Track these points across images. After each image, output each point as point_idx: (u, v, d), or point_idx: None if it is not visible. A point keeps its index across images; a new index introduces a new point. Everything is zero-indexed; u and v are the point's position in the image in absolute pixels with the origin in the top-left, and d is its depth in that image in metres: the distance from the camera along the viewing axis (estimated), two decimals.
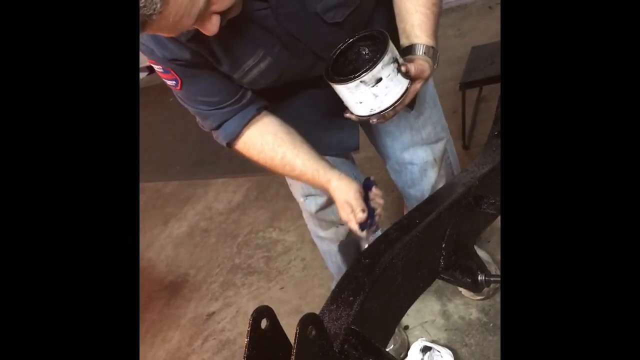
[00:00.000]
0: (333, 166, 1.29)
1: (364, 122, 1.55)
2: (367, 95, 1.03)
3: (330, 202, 1.57)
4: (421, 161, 1.58)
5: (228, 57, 1.10)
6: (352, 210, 1.24)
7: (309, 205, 1.59)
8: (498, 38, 2.73)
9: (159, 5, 0.79)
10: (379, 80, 1.01)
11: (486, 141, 1.30)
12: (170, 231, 3.23)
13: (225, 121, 1.23)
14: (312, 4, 1.07)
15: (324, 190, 1.30)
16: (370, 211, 1.26)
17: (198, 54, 1.07)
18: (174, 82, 1.15)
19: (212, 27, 0.91)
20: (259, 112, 1.24)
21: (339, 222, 1.64)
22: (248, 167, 3.47)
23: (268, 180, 3.19)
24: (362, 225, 1.24)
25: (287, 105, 1.36)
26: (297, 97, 1.35)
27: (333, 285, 2.04)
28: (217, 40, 0.97)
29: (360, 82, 1.00)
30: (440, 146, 1.59)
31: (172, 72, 1.12)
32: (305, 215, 1.71)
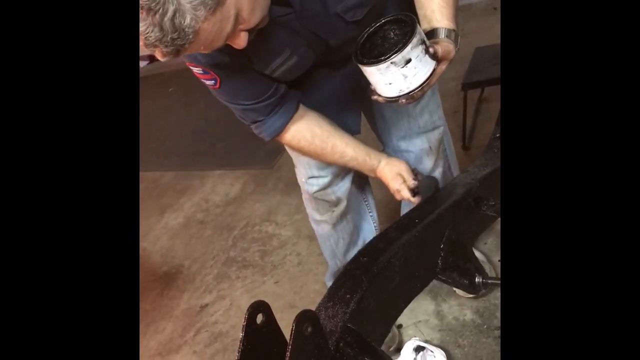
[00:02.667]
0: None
1: (367, 108, 1.60)
2: (396, 76, 1.05)
3: (330, 183, 1.64)
4: (417, 149, 1.62)
5: (258, 57, 1.18)
6: (404, 181, 1.38)
7: (311, 186, 1.64)
8: None
9: (191, 37, 0.86)
10: (409, 61, 1.03)
11: (487, 143, 1.29)
12: (166, 222, 3.22)
13: (267, 116, 1.31)
14: (333, 6, 1.13)
15: (371, 172, 1.44)
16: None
17: (235, 56, 1.12)
18: (212, 81, 1.22)
19: (241, 42, 0.97)
20: (297, 107, 1.34)
21: (339, 201, 1.69)
22: (246, 160, 3.48)
23: (265, 174, 3.18)
24: (413, 192, 1.37)
25: (296, 88, 1.40)
26: (305, 80, 1.39)
27: (327, 276, 2.04)
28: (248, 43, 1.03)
29: (391, 63, 1.02)
30: (436, 134, 1.63)
31: (211, 72, 1.19)
32: (305, 197, 1.75)
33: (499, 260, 1.96)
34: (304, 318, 0.74)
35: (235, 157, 3.56)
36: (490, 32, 3.34)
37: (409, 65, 1.03)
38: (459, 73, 2.54)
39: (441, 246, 1.04)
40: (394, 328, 1.86)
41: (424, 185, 1.33)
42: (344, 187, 1.67)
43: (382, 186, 2.27)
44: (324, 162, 1.50)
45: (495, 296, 1.82)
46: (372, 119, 1.66)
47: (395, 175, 1.40)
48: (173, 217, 3.22)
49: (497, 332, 1.72)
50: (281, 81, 1.29)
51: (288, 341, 0.72)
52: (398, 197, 1.42)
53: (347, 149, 1.39)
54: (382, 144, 1.72)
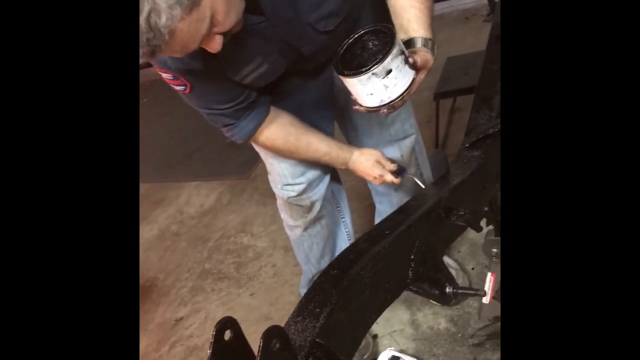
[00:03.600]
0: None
1: (339, 116, 1.62)
2: (378, 86, 1.06)
3: (306, 189, 1.64)
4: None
5: (230, 64, 1.18)
6: (383, 166, 1.45)
7: (286, 192, 1.64)
8: (473, 49, 2.76)
9: (166, 37, 0.86)
10: (389, 71, 1.04)
11: (457, 153, 1.30)
12: (141, 234, 3.18)
13: (238, 120, 1.34)
14: (306, 15, 1.14)
15: (343, 165, 1.49)
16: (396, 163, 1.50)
17: (207, 62, 1.13)
18: (183, 87, 1.23)
19: (215, 45, 0.99)
20: (268, 110, 1.37)
21: (313, 206, 1.69)
22: (221, 171, 3.46)
23: (241, 185, 3.17)
24: (396, 173, 1.47)
25: (269, 96, 1.41)
26: (278, 88, 1.40)
27: (302, 282, 2.04)
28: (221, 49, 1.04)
29: (372, 74, 1.04)
30: (408, 143, 1.65)
31: (181, 78, 1.20)
32: (279, 202, 1.75)
33: (472, 268, 1.97)
34: (272, 334, 0.73)
35: (211, 167, 3.54)
36: (462, 42, 3.38)
37: (389, 75, 1.05)
38: (431, 83, 2.57)
39: (411, 257, 1.04)
40: (369, 338, 1.86)
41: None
42: (318, 192, 1.67)
43: (356, 195, 2.27)
44: (297, 158, 1.52)
45: (469, 304, 1.83)
46: (344, 127, 1.68)
47: (374, 163, 1.45)
48: (147, 230, 3.19)
49: (472, 341, 1.73)
50: (254, 88, 1.30)
51: (256, 357, 0.72)
52: (379, 182, 1.48)
53: (321, 144, 1.44)
54: None
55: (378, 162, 1.46)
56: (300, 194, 1.64)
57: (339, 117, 1.64)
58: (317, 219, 1.75)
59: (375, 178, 1.47)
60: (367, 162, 1.46)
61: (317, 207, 1.70)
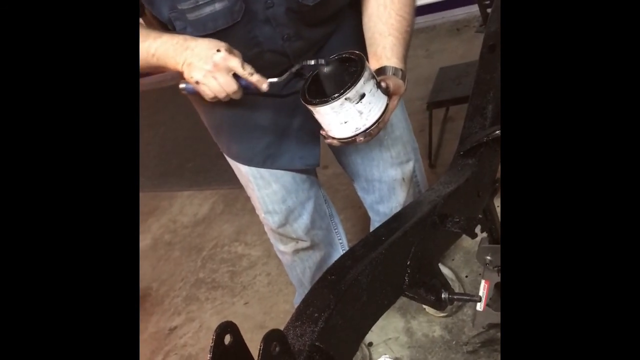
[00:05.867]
0: None
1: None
2: (352, 113, 1.03)
3: (286, 219, 1.56)
4: (390, 179, 1.60)
5: None
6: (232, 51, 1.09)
7: (269, 221, 1.58)
8: (465, 59, 2.80)
9: None
10: (362, 96, 1.01)
11: (452, 160, 1.32)
12: None
13: None
14: None
15: (176, 49, 1.11)
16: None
17: None
18: None
19: None
20: None
21: (299, 239, 1.63)
22: (214, 180, 3.46)
23: (235, 194, 3.17)
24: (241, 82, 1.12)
25: (248, 116, 1.36)
26: (259, 108, 1.35)
27: (296, 299, 2.04)
28: None
29: (345, 99, 1.00)
30: (409, 166, 1.61)
31: None
32: (266, 229, 1.70)
33: (466, 276, 1.99)
34: (272, 337, 0.74)
35: (204, 177, 3.54)
36: (454, 53, 3.41)
37: (363, 100, 1.02)
38: (424, 92, 2.60)
39: (408, 263, 1.05)
40: (364, 347, 1.86)
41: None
42: (302, 223, 1.59)
43: (350, 204, 2.27)
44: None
45: (464, 312, 1.84)
46: (339, 152, 1.60)
47: (221, 44, 1.08)
48: (140, 239, 3.18)
49: (466, 348, 1.74)
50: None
51: None
52: (212, 84, 1.10)
53: (158, 40, 1.15)
54: (353, 177, 1.68)
55: (228, 51, 1.07)
56: (282, 225, 1.57)
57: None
58: (309, 247, 1.68)
59: (209, 72, 1.08)
60: (209, 42, 1.08)
61: (305, 238, 1.63)
